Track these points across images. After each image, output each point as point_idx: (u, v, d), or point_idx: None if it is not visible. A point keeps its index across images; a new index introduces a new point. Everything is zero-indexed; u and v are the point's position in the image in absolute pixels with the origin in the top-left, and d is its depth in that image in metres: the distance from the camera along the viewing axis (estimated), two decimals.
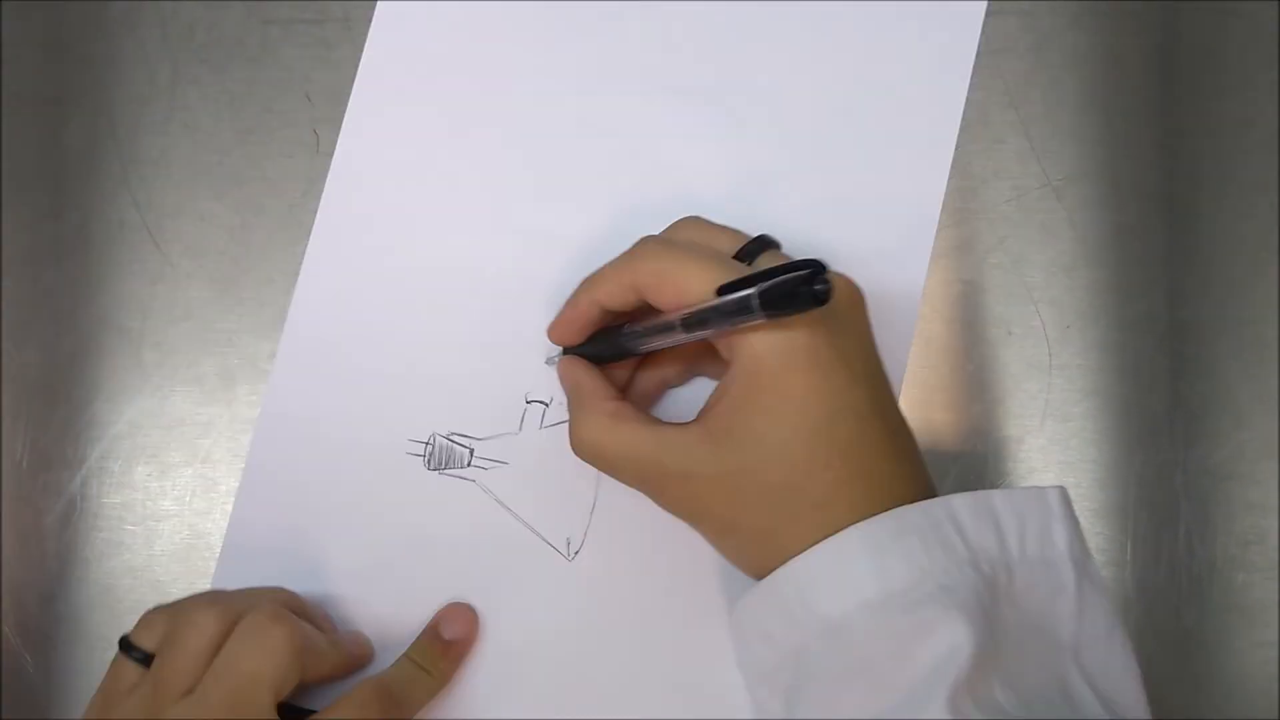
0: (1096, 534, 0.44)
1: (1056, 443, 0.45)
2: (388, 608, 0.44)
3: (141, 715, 0.38)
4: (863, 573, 0.34)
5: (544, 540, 0.44)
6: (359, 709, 0.39)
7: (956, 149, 0.46)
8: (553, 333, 0.42)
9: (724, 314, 0.35)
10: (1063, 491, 0.36)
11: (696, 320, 0.36)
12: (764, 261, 0.38)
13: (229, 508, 0.45)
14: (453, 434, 0.45)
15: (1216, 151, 0.46)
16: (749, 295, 0.34)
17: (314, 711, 0.39)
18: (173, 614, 0.40)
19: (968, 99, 0.46)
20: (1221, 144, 0.46)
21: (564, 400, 0.44)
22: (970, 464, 0.45)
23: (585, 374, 0.41)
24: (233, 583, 0.44)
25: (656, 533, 0.43)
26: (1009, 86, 0.46)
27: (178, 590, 0.45)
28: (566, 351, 0.43)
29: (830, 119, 0.46)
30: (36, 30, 0.49)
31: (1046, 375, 0.45)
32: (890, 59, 0.46)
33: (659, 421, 0.39)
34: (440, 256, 0.46)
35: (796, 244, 0.41)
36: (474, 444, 0.45)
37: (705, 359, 0.42)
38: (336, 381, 0.45)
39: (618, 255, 0.40)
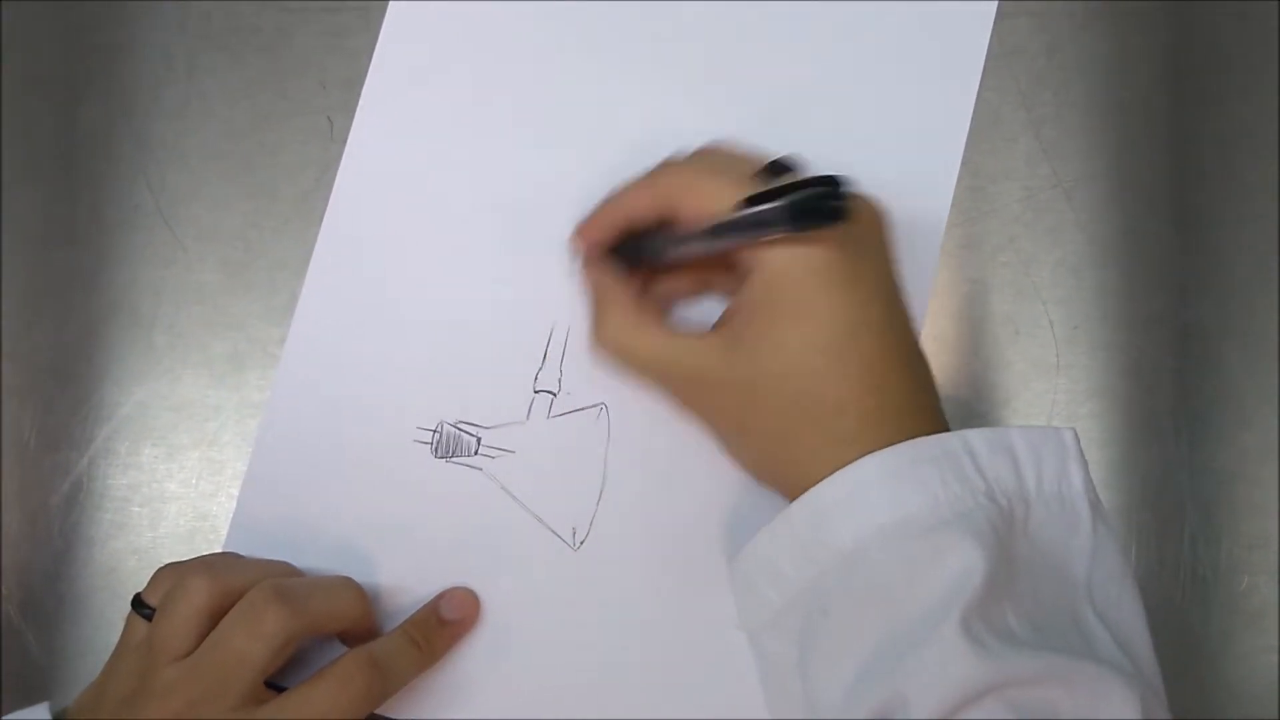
0: None
1: None
2: (392, 594, 0.44)
3: (139, 670, 0.39)
4: (878, 500, 0.35)
5: (549, 529, 0.44)
6: (343, 682, 0.39)
7: (967, 148, 0.46)
8: (582, 231, 0.43)
9: (751, 224, 0.36)
10: (1075, 433, 0.37)
11: (725, 229, 0.37)
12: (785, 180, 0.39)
13: (235, 491, 0.45)
14: (460, 422, 0.45)
15: (1225, 154, 0.46)
16: (778, 207, 0.35)
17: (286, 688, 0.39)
18: (174, 575, 0.40)
19: (980, 99, 0.46)
20: (1230, 147, 0.46)
21: (571, 391, 0.45)
22: None
23: (612, 275, 0.42)
24: None
25: (662, 523, 0.44)
26: (1020, 87, 0.47)
27: None
28: None
29: (840, 118, 0.46)
30: (52, 15, 0.49)
31: (1053, 375, 0.45)
32: (901, 58, 0.46)
33: (678, 329, 0.40)
34: (451, 246, 0.46)
35: None
36: (481, 432, 0.45)
37: (718, 275, 0.43)
38: (345, 368, 0.45)
39: (643, 174, 0.41)
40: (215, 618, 0.39)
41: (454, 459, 0.45)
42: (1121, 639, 0.36)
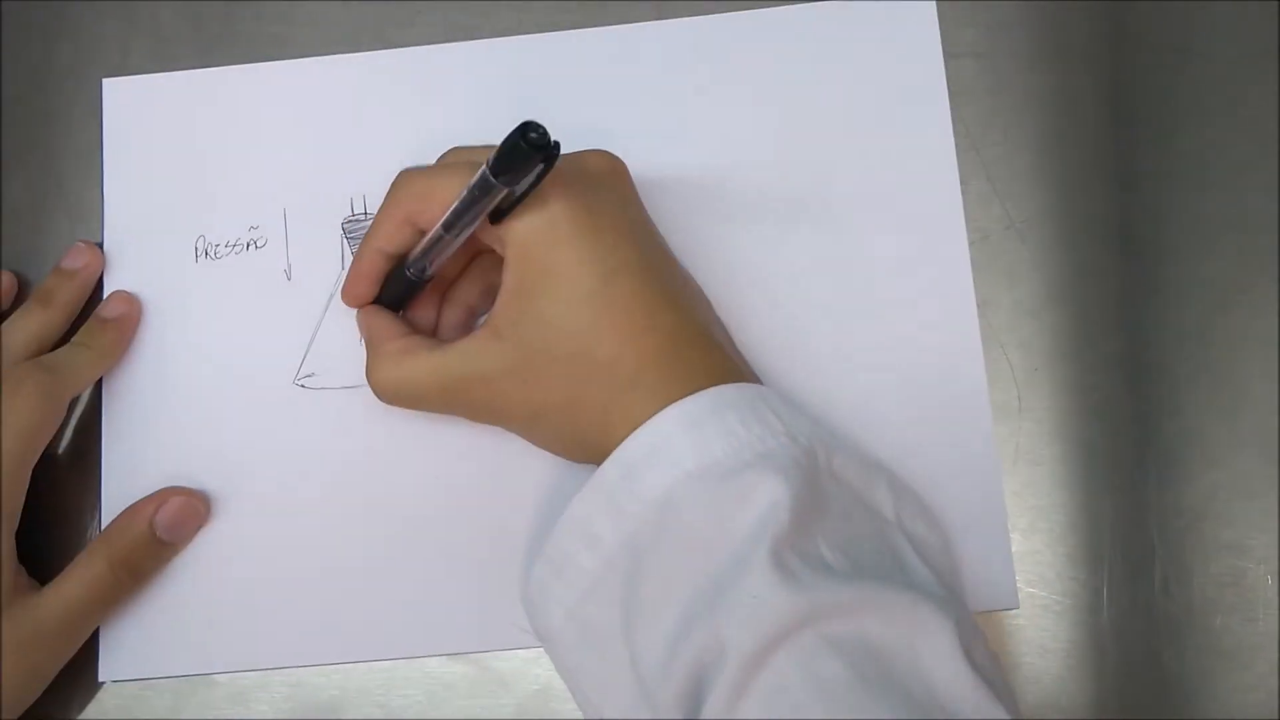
0: (1071, 578, 0.43)
1: (1029, 486, 0.44)
2: None
3: None
4: (683, 448, 0.36)
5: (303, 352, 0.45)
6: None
7: None
8: (345, 293, 0.43)
9: (472, 202, 0.37)
10: None
11: (454, 218, 0.38)
12: None
13: None
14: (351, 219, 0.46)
15: (1176, 190, 0.46)
16: (482, 171, 0.35)
17: None
18: None
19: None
20: (1181, 182, 0.46)
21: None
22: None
23: (374, 318, 0.42)
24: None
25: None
26: (969, 129, 0.46)
27: None
28: None
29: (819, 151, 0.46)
30: None
31: (1016, 419, 0.44)
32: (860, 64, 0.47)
33: (449, 342, 0.40)
34: None
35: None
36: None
37: (499, 274, 0.42)
38: None
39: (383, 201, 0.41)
40: None
41: (349, 237, 0.46)
42: (936, 571, 0.37)
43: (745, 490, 0.35)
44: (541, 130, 0.34)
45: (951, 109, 0.46)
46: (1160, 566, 0.43)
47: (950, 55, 0.47)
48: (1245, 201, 0.45)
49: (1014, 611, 0.43)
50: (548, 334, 0.37)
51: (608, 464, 0.36)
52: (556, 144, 0.35)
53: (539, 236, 0.37)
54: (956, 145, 0.46)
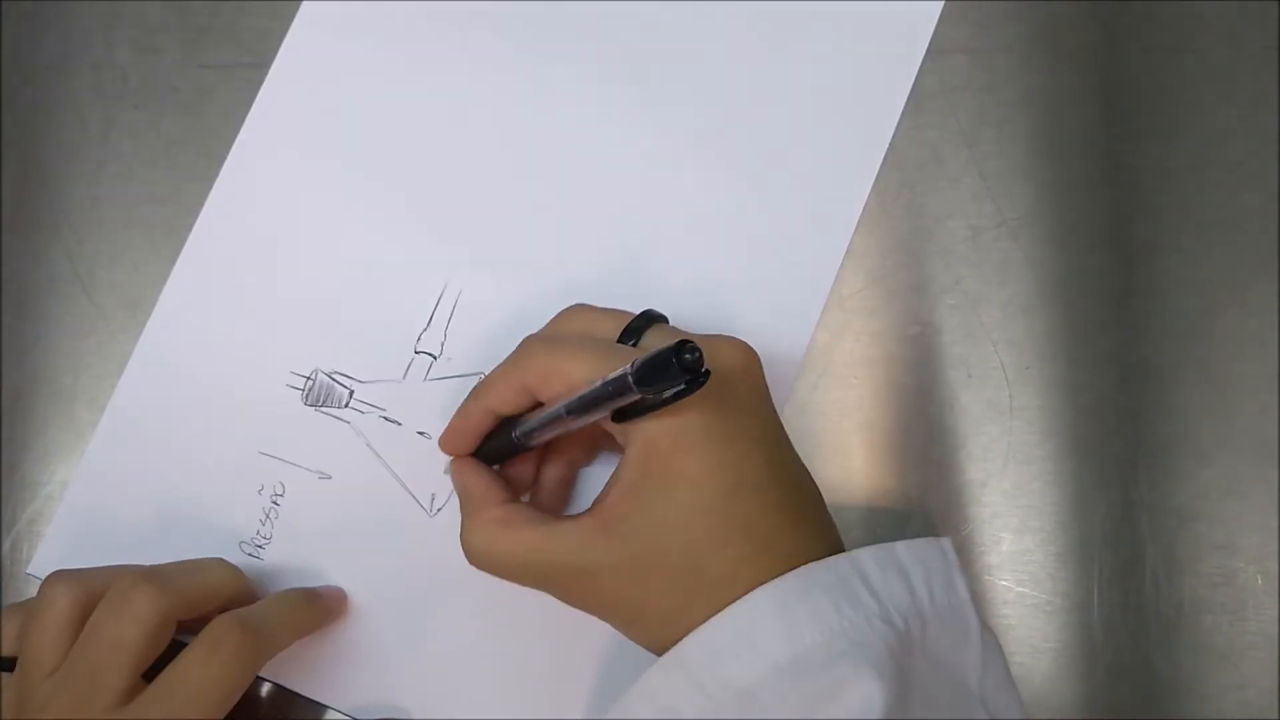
0: (1062, 578, 0.43)
1: (1020, 486, 0.44)
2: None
3: (14, 707, 0.37)
4: (772, 636, 0.34)
5: (409, 493, 0.44)
6: (211, 647, 0.37)
7: (911, 189, 0.45)
8: (445, 443, 0.41)
9: (604, 396, 0.35)
10: (950, 541, 0.37)
11: (580, 406, 0.36)
12: (650, 336, 0.38)
13: None
14: (336, 373, 0.44)
15: (1170, 190, 0.46)
16: (624, 374, 0.33)
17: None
18: (26, 603, 0.39)
19: (921, 138, 0.46)
20: (1174, 181, 0.46)
21: (452, 357, 0.45)
22: (933, 509, 0.44)
23: (474, 476, 0.40)
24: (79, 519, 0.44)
25: None
26: (961, 126, 0.46)
27: None
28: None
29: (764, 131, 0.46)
30: None
31: (1007, 417, 0.44)
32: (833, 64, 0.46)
33: (552, 518, 0.37)
34: (348, 196, 0.46)
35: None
36: (355, 385, 0.44)
37: (607, 437, 0.41)
38: (225, 305, 0.45)
39: (503, 362, 0.39)
40: (83, 623, 0.37)
41: (323, 409, 0.44)
42: None
43: (837, 686, 0.33)
44: (696, 354, 0.33)
45: (944, 105, 0.46)
46: (1151, 566, 0.43)
47: (943, 52, 0.46)
48: (1239, 201, 0.45)
49: (1005, 610, 0.43)
50: (660, 540, 0.36)
51: (689, 643, 0.35)
52: (707, 372, 0.33)
53: (667, 438, 0.35)
54: (949, 141, 0.46)
